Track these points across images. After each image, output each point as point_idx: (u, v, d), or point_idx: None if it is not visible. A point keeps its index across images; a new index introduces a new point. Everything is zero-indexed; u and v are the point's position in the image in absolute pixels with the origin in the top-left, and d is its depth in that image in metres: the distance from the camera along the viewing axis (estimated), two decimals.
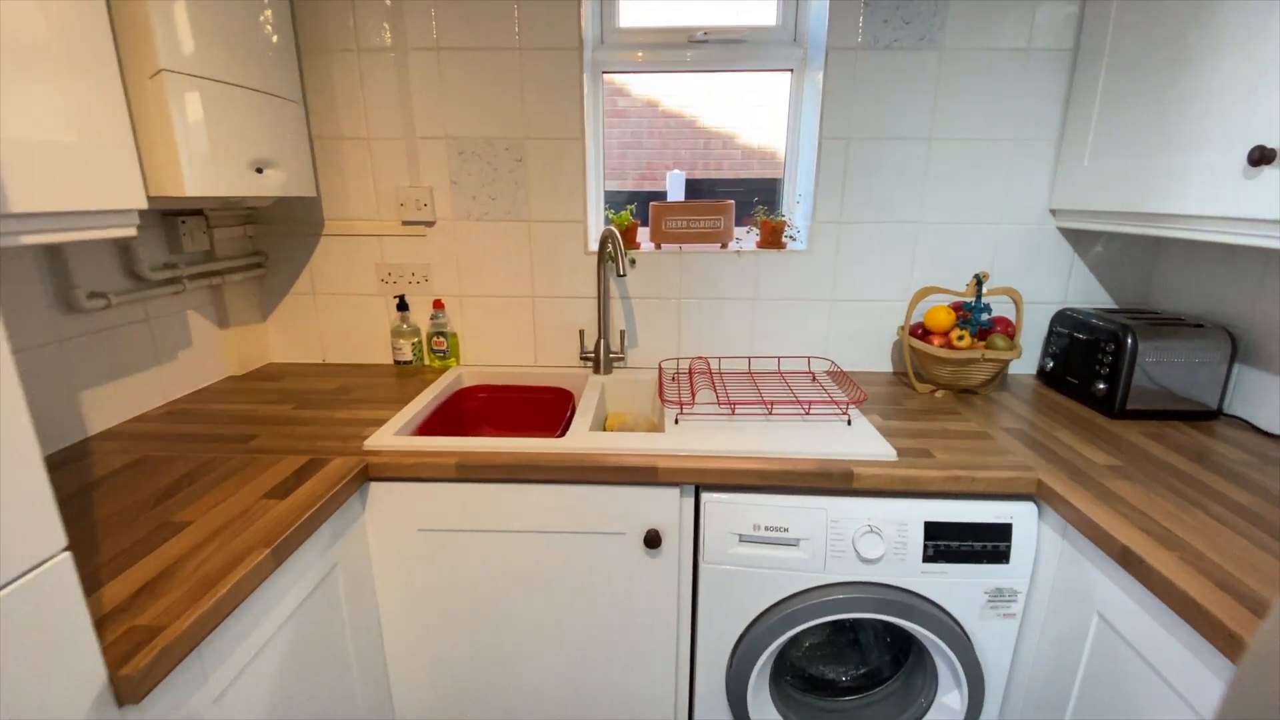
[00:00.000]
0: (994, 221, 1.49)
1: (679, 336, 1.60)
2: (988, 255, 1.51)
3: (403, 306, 1.54)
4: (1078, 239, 1.48)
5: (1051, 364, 1.46)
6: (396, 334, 1.55)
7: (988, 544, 1.04)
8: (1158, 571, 0.77)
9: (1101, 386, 1.28)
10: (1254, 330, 1.21)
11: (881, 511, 1.05)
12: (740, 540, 1.08)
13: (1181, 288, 1.40)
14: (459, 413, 1.47)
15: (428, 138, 1.48)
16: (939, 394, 1.41)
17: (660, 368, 1.54)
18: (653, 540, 1.08)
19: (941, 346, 1.38)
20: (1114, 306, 1.51)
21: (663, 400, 1.29)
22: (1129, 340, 1.23)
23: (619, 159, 2.01)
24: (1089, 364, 1.32)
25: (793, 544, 1.07)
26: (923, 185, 1.47)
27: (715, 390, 1.37)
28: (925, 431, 1.19)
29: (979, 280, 1.38)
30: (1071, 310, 1.43)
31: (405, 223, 1.53)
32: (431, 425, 1.29)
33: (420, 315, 1.59)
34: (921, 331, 1.45)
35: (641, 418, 1.43)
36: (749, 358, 1.59)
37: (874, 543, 1.04)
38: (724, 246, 1.57)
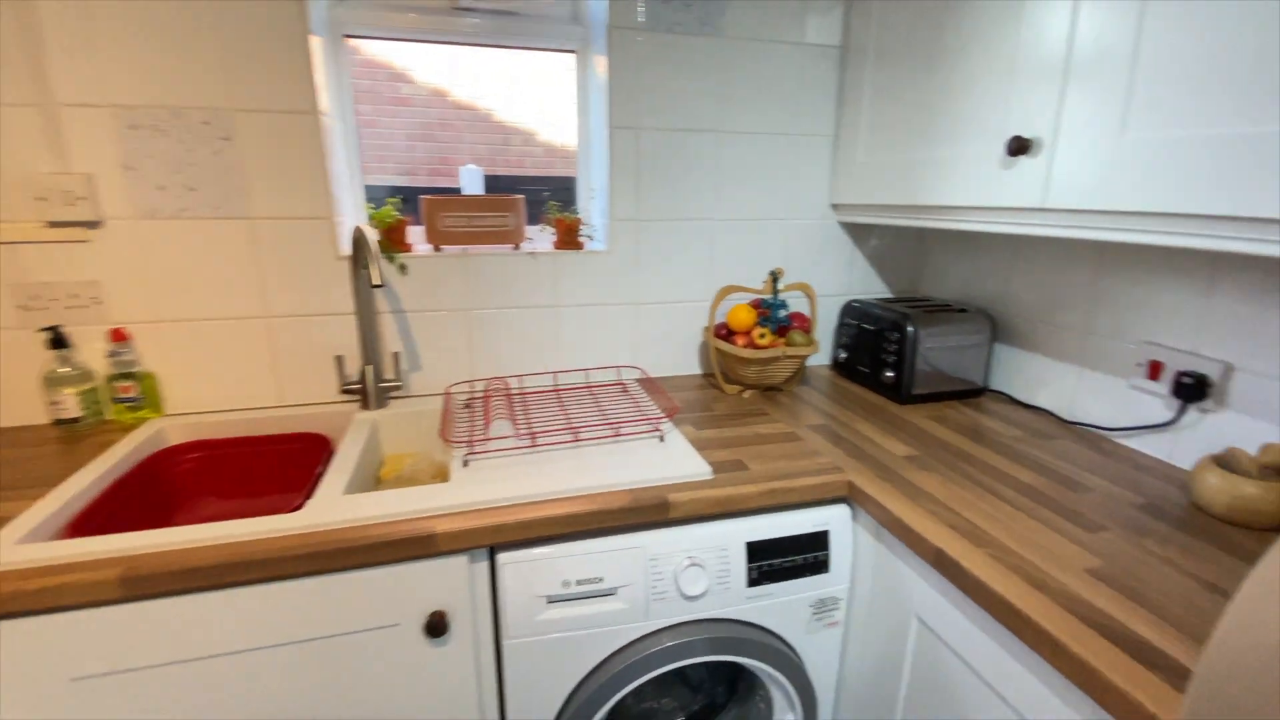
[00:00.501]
0: (783, 217, 1.48)
1: (471, 354, 1.36)
2: (780, 251, 1.50)
3: (60, 342, 1.09)
4: (856, 232, 1.54)
5: (844, 355, 1.49)
6: (53, 382, 1.09)
7: (808, 555, 0.98)
8: (972, 574, 0.74)
9: (890, 374, 1.32)
10: (1008, 311, 1.33)
11: (702, 539, 0.94)
12: (549, 603, 0.89)
13: (946, 275, 1.51)
14: (159, 485, 1.07)
15: (78, 105, 1.05)
16: (746, 394, 1.37)
17: (448, 394, 1.29)
18: (436, 627, 0.84)
19: (745, 346, 1.33)
20: (891, 296, 1.61)
21: (446, 439, 1.05)
22: (910, 328, 1.27)
23: (407, 151, 1.73)
24: (877, 353, 1.36)
25: (609, 594, 0.91)
26: (716, 180, 1.41)
27: (514, 418, 1.17)
28: (737, 439, 1.11)
29: (774, 277, 1.36)
30: (856, 301, 1.48)
31: (52, 224, 1.08)
32: (105, 512, 0.91)
33: (92, 352, 1.15)
34: (726, 332, 1.39)
35: (426, 460, 1.18)
36: (554, 373, 1.41)
37: (697, 576, 0.93)
38: (517, 247, 1.37)
